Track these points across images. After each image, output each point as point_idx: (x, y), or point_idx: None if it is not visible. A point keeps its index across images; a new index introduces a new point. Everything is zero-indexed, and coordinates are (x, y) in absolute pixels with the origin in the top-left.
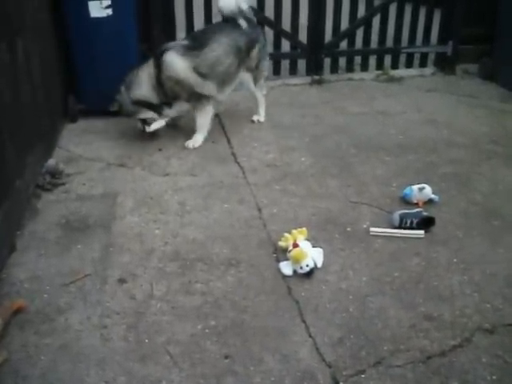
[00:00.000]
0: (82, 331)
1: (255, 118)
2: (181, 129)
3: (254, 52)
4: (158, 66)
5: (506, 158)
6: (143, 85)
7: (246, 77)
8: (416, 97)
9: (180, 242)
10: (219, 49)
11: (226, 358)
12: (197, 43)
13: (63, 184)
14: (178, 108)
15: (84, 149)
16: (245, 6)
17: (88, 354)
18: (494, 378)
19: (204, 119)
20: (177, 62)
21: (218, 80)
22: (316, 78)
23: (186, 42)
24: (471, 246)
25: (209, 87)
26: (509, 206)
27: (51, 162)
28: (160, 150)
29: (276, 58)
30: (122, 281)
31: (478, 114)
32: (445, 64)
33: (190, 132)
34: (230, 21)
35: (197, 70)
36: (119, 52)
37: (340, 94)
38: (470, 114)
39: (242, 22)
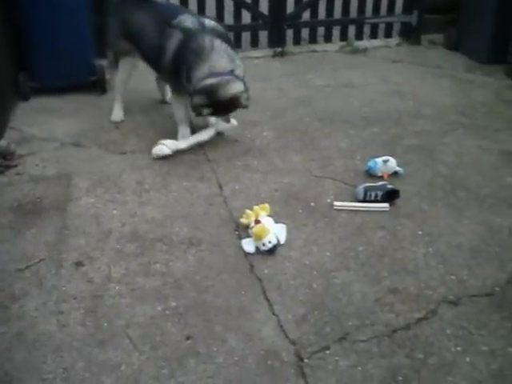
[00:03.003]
0: (37, 318)
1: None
2: (136, 105)
3: None
4: None
5: (471, 129)
6: None
7: None
8: (381, 68)
9: (138, 221)
10: None
11: (188, 338)
12: None
13: (15, 166)
14: None
15: (37, 128)
16: None
17: (44, 341)
18: (459, 349)
19: None
20: None
21: None
22: (278, 50)
23: None
24: (436, 218)
25: None
26: (474, 178)
27: (2, 142)
28: (117, 127)
29: (236, 30)
30: (78, 264)
31: (443, 85)
32: (410, 34)
33: (145, 110)
34: None
35: None
36: (72, 26)
37: (303, 66)
38: (435, 85)
39: None
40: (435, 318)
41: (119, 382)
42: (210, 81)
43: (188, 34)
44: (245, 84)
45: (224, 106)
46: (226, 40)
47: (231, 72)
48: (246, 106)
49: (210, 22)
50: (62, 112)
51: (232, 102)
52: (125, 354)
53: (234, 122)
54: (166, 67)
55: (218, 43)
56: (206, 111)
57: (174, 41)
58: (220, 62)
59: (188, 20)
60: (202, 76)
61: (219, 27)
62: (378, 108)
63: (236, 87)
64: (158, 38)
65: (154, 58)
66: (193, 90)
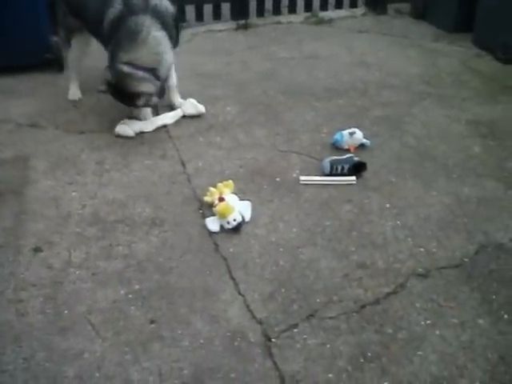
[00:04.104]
0: None
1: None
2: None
3: None
4: None
5: (438, 99)
6: None
7: None
8: (347, 39)
9: (99, 203)
10: None
11: (152, 322)
12: None
13: None
14: None
15: None
16: None
17: (3, 332)
18: (429, 322)
19: None
20: None
21: None
22: (242, 22)
23: None
24: (404, 190)
25: None
26: (441, 148)
27: None
28: (75, 106)
29: (198, 3)
30: (37, 250)
31: (410, 55)
32: (376, 4)
33: None
34: None
35: None
36: (25, 1)
37: (267, 38)
38: (402, 55)
39: None
40: (404, 291)
41: (82, 371)
42: (125, 69)
43: (129, 8)
44: (160, 81)
45: (124, 98)
46: (166, 25)
47: (152, 70)
48: (150, 106)
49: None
50: (17, 92)
51: (133, 97)
52: (87, 342)
53: (201, 108)
54: (105, 38)
55: (155, 34)
56: (107, 89)
57: (113, 10)
58: (147, 57)
59: None
60: (123, 60)
61: (164, 7)
62: (344, 79)
63: (144, 87)
64: (101, 5)
65: (97, 30)
66: (111, 64)
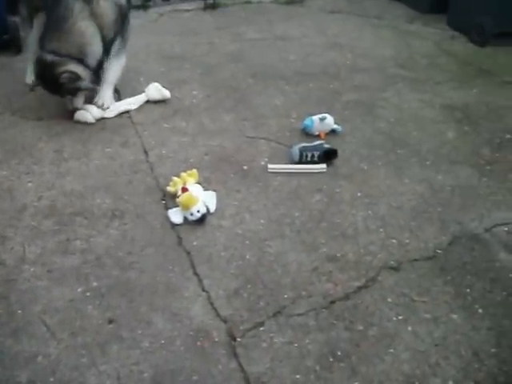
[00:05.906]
0: None
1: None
2: None
3: None
4: None
5: (411, 82)
6: None
7: None
8: (318, 19)
9: (56, 194)
10: None
11: (110, 322)
12: None
13: None
14: None
15: None
16: None
17: None
18: (400, 318)
19: None
20: None
21: None
22: (210, 1)
23: None
24: (376, 178)
25: None
26: (414, 133)
27: None
28: (32, 90)
29: None
30: None
31: (383, 36)
32: None
33: None
34: None
35: None
36: None
37: (236, 18)
38: (375, 37)
39: None
40: (375, 285)
41: (35, 375)
42: (49, 58)
43: None
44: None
45: (51, 84)
46: (96, 12)
47: (78, 60)
48: (80, 90)
49: None
50: None
51: (59, 79)
52: (41, 344)
53: (166, 93)
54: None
55: (81, 25)
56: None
57: None
58: (71, 47)
59: None
60: (47, 48)
61: None
62: (315, 62)
63: (69, 67)
64: None
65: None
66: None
